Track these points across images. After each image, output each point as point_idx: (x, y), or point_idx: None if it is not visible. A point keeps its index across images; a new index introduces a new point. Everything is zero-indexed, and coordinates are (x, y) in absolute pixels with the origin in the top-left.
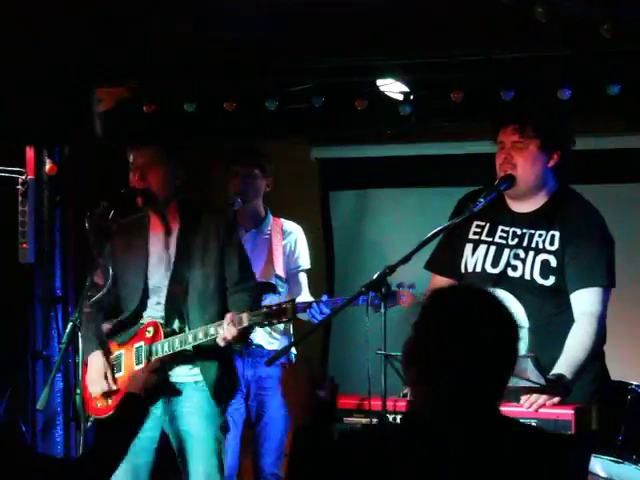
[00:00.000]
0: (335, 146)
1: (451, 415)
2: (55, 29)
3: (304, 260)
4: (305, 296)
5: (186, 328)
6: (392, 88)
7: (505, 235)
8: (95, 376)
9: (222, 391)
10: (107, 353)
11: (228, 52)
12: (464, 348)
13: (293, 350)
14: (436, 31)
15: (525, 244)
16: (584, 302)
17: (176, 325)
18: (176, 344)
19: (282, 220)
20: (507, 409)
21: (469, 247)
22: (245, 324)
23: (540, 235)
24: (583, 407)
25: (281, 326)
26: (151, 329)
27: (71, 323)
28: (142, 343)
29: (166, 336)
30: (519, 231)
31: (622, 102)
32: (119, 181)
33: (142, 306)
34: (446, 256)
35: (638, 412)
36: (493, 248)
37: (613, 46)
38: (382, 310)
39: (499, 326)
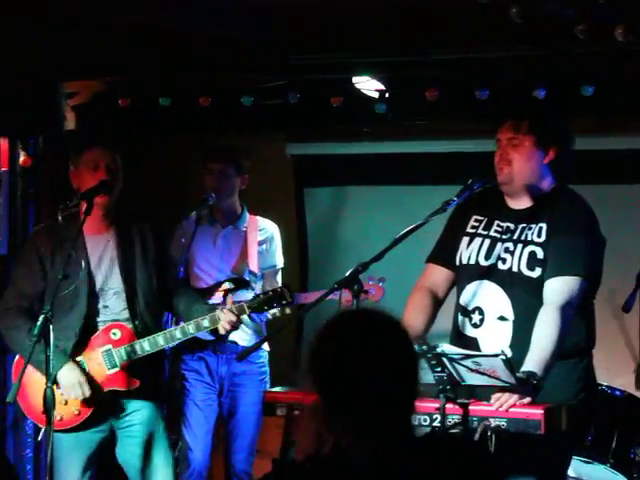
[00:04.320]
0: (310, 143)
1: (361, 440)
2: (29, 21)
3: (279, 259)
4: None
5: (142, 328)
6: (368, 86)
7: (500, 230)
8: (71, 383)
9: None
10: (75, 361)
11: (204, 47)
12: (364, 374)
13: (267, 347)
14: (412, 29)
15: (516, 237)
16: (550, 291)
17: (138, 325)
18: (160, 341)
19: (258, 218)
20: (477, 408)
21: (465, 240)
22: (247, 312)
23: (530, 228)
24: (553, 407)
25: (251, 323)
26: (117, 331)
27: (43, 316)
28: (110, 346)
29: (139, 336)
30: (512, 226)
31: (596, 103)
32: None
33: (91, 310)
34: (445, 248)
35: (607, 413)
36: (487, 241)
37: (587, 47)
38: (354, 307)
39: (395, 346)
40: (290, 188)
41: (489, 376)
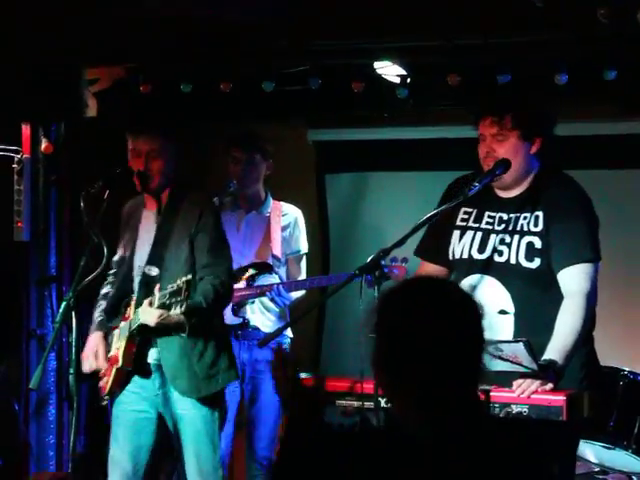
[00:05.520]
0: (332, 129)
1: (428, 418)
2: (51, 6)
3: (303, 244)
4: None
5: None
6: (389, 71)
7: (492, 221)
8: (86, 353)
9: (180, 375)
10: (105, 334)
11: (225, 33)
12: (430, 347)
13: (290, 333)
14: (433, 14)
15: (511, 228)
16: (570, 281)
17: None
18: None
19: (282, 203)
20: (499, 394)
21: (456, 234)
22: (156, 304)
23: (525, 217)
24: (575, 393)
25: (276, 308)
26: (128, 309)
27: (65, 302)
28: (124, 322)
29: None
30: (505, 216)
31: (619, 87)
32: (115, 161)
33: (131, 285)
34: (434, 243)
35: (630, 398)
36: (480, 234)
37: (610, 30)
38: (376, 293)
39: (461, 317)
40: (311, 174)
41: (511, 362)
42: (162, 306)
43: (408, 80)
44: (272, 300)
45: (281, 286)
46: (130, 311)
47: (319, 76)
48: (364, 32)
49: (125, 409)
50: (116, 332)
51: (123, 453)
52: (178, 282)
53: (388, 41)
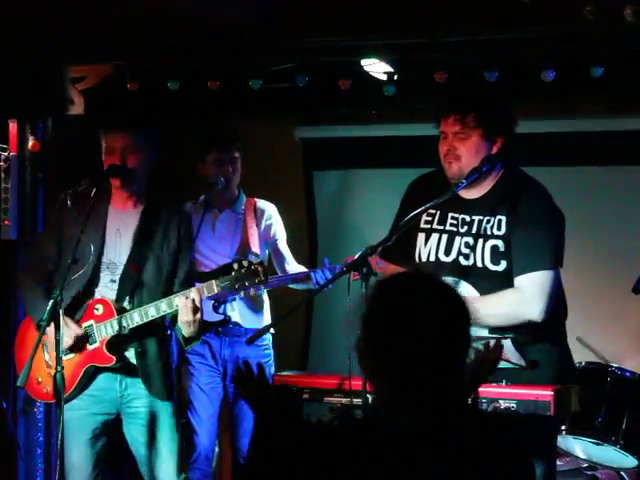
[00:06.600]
0: (319, 126)
1: (409, 407)
2: (37, 4)
3: (280, 234)
4: (293, 264)
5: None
6: (376, 68)
7: (455, 222)
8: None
9: (155, 375)
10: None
11: (212, 30)
12: (416, 337)
13: (271, 329)
14: (420, 12)
15: (474, 231)
16: (525, 288)
17: (126, 304)
18: (136, 318)
19: (256, 199)
20: (487, 389)
21: (421, 236)
22: (215, 290)
23: (488, 221)
24: (562, 389)
25: (259, 305)
26: (100, 307)
27: (52, 300)
28: (92, 322)
29: (119, 313)
30: (468, 218)
31: (606, 84)
32: (102, 159)
33: (94, 282)
34: (398, 245)
35: (617, 394)
36: (445, 236)
37: (596, 27)
38: (363, 290)
39: (449, 310)
40: (299, 171)
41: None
42: (229, 288)
43: (395, 77)
44: (318, 283)
45: (326, 269)
46: (104, 309)
47: (306, 73)
48: (351, 29)
49: (81, 414)
50: (80, 332)
51: (84, 459)
52: (252, 261)
53: (375, 38)
